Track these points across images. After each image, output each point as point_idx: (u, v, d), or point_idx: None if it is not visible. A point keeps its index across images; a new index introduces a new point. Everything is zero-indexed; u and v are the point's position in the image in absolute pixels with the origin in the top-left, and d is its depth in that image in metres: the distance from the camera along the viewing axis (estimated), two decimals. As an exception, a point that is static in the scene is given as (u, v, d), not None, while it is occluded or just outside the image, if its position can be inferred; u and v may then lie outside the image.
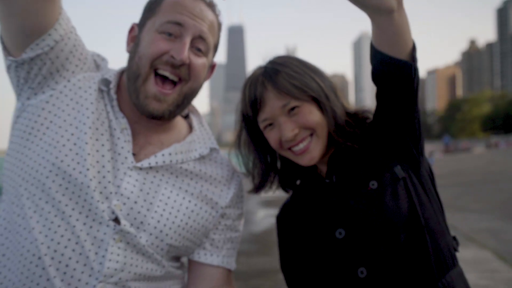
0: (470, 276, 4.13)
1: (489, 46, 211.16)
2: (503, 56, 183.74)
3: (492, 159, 22.02)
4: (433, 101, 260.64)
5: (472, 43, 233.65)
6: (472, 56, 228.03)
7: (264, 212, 8.60)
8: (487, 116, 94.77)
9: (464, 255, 4.94)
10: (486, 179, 12.43)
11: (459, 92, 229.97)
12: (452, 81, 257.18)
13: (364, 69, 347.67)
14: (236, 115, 1.11)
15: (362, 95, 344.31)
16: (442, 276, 0.94)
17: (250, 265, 4.70)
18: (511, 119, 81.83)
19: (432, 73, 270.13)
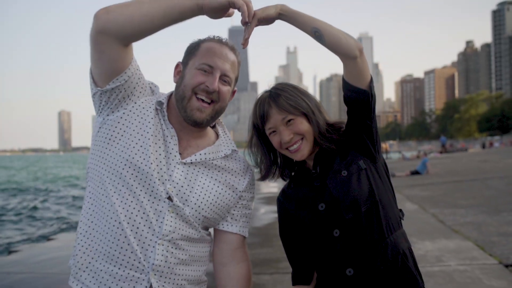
0: (451, 263, 4.55)
1: (485, 47, 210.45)
2: (497, 57, 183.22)
3: (485, 158, 22.07)
4: (431, 101, 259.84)
5: (468, 44, 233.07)
6: (469, 57, 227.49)
7: (265, 209, 8.98)
8: (484, 117, 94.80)
9: (448, 245, 5.27)
10: (476, 177, 12.60)
11: (458, 92, 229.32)
12: (451, 81, 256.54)
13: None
14: (248, 126, 1.53)
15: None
16: (390, 234, 1.37)
17: (254, 255, 5.03)
18: (507, 119, 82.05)
19: (429, 73, 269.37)
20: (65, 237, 8.22)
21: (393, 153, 50.78)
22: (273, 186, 12.69)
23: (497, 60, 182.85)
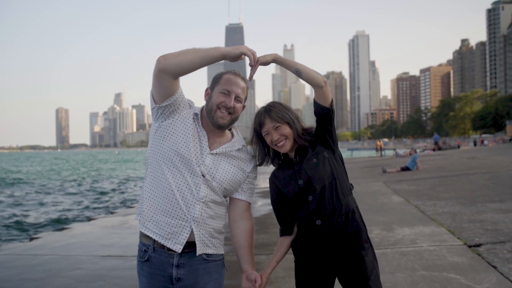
0: (423, 244, 5.40)
1: (480, 45, 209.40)
2: (492, 56, 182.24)
3: (474, 155, 22.67)
4: (427, 99, 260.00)
5: (464, 42, 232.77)
6: (464, 56, 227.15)
7: (262, 202, 9.77)
8: (478, 115, 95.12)
9: (424, 231, 5.88)
10: (462, 173, 13.15)
11: (453, 90, 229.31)
12: (446, 80, 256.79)
13: (360, 68, 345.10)
14: (250, 130, 2.19)
15: (358, 94, 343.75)
16: (343, 198, 2.07)
17: (252, 238, 5.79)
18: (501, 117, 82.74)
19: (425, 71, 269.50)
20: (79, 227, 8.85)
21: (388, 150, 51.60)
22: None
23: (491, 58, 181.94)
